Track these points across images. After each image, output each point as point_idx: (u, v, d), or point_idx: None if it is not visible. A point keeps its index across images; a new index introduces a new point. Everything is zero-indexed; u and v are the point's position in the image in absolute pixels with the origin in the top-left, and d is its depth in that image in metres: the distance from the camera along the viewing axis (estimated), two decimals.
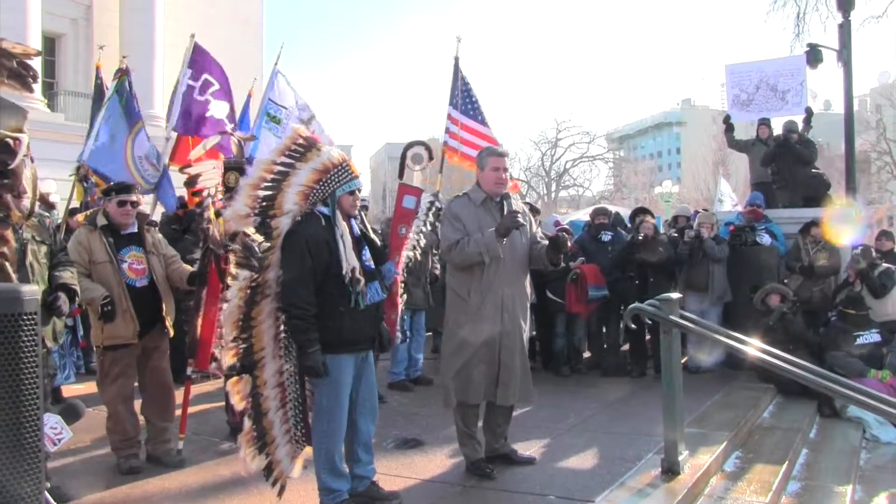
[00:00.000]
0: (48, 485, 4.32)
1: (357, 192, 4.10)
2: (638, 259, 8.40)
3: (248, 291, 3.86)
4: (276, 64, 9.37)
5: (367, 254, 4.13)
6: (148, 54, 20.98)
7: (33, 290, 1.99)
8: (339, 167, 4.00)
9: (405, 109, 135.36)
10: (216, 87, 7.91)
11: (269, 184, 3.88)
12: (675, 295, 5.06)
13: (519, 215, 4.64)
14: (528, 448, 5.34)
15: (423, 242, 7.07)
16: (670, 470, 4.69)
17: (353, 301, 3.94)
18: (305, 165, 3.94)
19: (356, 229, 4.15)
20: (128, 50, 20.86)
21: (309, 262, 3.86)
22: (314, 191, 3.95)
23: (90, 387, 6.40)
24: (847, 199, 10.23)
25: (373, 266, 4.12)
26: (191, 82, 7.80)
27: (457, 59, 8.69)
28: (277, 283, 3.95)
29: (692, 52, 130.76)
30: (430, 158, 7.31)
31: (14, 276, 3.61)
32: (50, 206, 8.30)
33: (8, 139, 3.25)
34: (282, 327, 4.01)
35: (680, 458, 4.71)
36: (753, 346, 4.69)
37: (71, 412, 2.37)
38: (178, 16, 22.14)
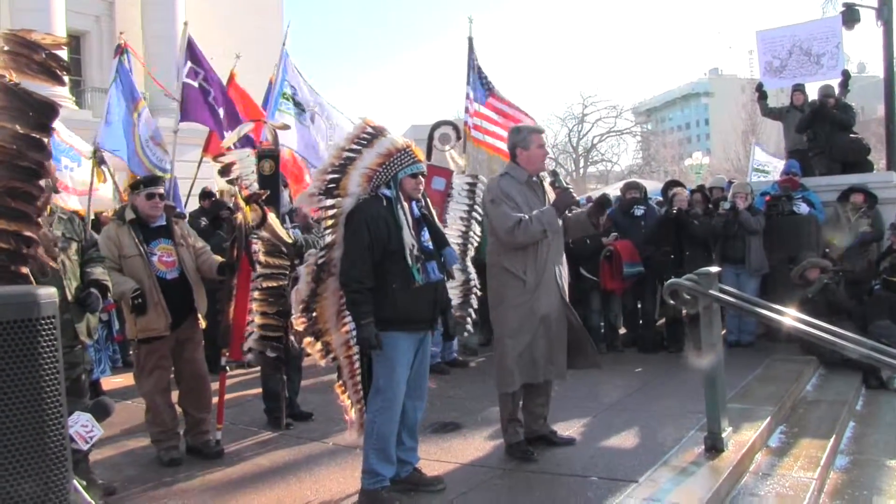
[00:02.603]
0: (99, 482, 4.43)
1: (420, 175, 4.17)
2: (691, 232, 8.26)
3: (315, 269, 4.09)
4: (283, 45, 9.35)
5: (426, 234, 4.19)
6: (170, 47, 21.03)
7: (50, 293, 1.97)
8: (403, 151, 4.12)
9: (430, 90, 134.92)
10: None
11: (337, 168, 4.08)
12: (714, 269, 4.94)
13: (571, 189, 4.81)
14: (568, 428, 5.28)
15: (477, 231, 6.88)
16: (714, 447, 4.60)
17: (411, 278, 4.01)
18: (371, 150, 4.11)
19: (416, 211, 4.22)
20: (150, 44, 21.06)
21: (367, 239, 3.97)
22: (377, 173, 4.09)
23: (128, 379, 6.46)
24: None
25: (431, 246, 4.17)
26: (190, 81, 7.89)
27: (470, 39, 8.62)
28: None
29: (718, 20, 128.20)
30: (458, 138, 7.22)
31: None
32: None
33: (42, 137, 3.25)
34: (343, 303, 4.19)
35: (723, 434, 4.63)
36: (796, 319, 4.56)
37: (101, 409, 2.35)
38: (200, 7, 22.15)
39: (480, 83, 9.03)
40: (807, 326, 4.42)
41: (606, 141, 50.55)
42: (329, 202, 4.08)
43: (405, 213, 4.08)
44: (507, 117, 9.11)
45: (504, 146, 8.77)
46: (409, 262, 4.00)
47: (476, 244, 6.93)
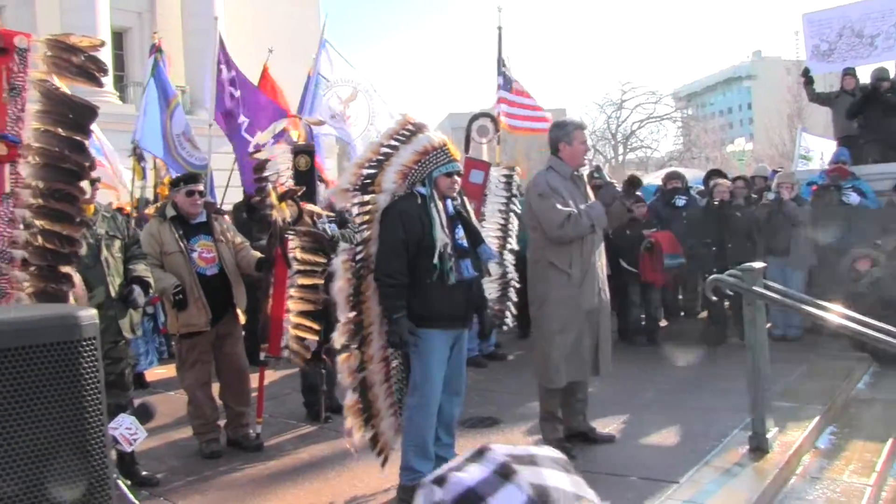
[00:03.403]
0: (143, 473, 4.51)
1: (455, 174, 4.16)
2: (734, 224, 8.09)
3: (353, 265, 4.08)
4: (322, 34, 9.36)
5: (460, 232, 4.17)
6: (209, 41, 21.19)
7: (91, 315, 1.98)
8: (439, 150, 4.11)
9: (467, 78, 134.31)
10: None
11: (374, 163, 4.09)
12: (759, 264, 4.81)
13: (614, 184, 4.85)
14: (607, 425, 5.21)
15: (515, 224, 6.80)
16: (758, 448, 4.50)
17: (443, 276, 4.00)
18: (408, 147, 4.10)
19: (451, 208, 4.20)
20: (189, 38, 21.28)
21: (401, 235, 3.98)
22: (413, 171, 4.09)
23: (172, 370, 6.54)
24: None
25: (465, 244, 4.15)
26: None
27: (500, 28, 8.54)
28: None
29: (761, 0, 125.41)
30: (497, 130, 7.14)
31: (78, 282, 3.66)
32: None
33: (82, 139, 3.29)
34: None
35: (768, 434, 4.52)
36: (844, 316, 4.41)
37: (144, 413, 2.37)
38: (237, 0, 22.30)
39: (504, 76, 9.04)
40: (856, 324, 4.27)
41: (646, 127, 49.74)
42: (364, 198, 4.08)
43: (438, 211, 4.07)
44: (530, 99, 9.13)
45: (537, 126, 8.73)
46: (442, 259, 3.99)
47: (516, 236, 6.89)
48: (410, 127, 4.13)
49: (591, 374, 4.84)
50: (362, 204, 4.10)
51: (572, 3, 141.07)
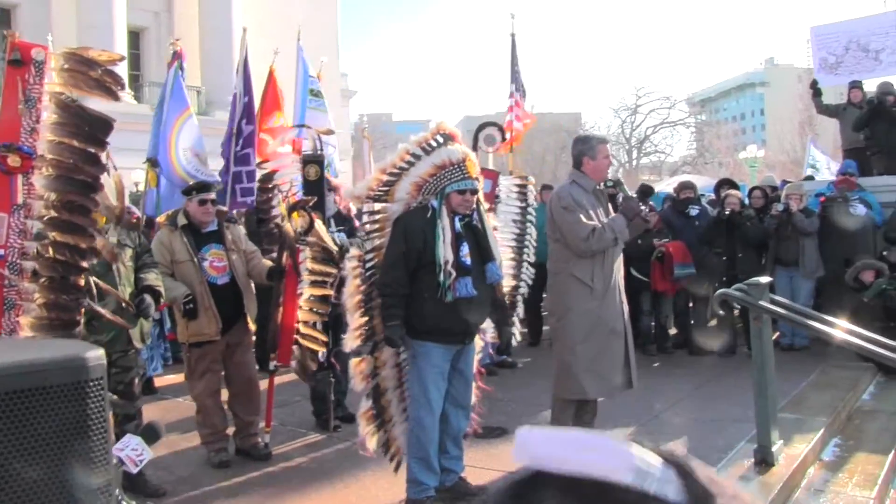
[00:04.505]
0: (151, 483, 4.54)
1: (469, 192, 4.15)
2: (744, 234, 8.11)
3: (363, 271, 4.13)
4: (298, 41, 9.35)
5: (464, 249, 4.16)
6: (226, 41, 21.37)
7: (98, 356, 1.98)
8: (455, 165, 4.09)
9: (483, 81, 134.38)
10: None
11: (396, 171, 4.14)
12: (765, 279, 4.83)
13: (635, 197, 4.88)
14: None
15: (533, 234, 6.80)
16: (764, 461, 4.49)
17: (440, 292, 4.02)
18: (428, 159, 4.11)
19: (458, 226, 4.20)
20: (206, 38, 21.35)
21: (403, 247, 4.03)
22: (428, 183, 4.11)
23: (180, 375, 6.60)
24: None
25: (469, 262, 4.14)
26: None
27: (513, 35, 8.56)
28: None
29: (774, 8, 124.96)
30: (504, 139, 7.18)
31: (94, 290, 3.70)
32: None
33: (98, 152, 3.34)
34: None
35: (774, 448, 4.51)
36: (849, 332, 4.42)
37: (151, 433, 2.40)
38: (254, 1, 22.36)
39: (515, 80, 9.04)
40: (861, 340, 4.28)
41: (659, 132, 49.75)
42: (375, 206, 4.14)
43: (444, 227, 4.07)
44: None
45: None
46: (442, 278, 4.01)
47: (534, 245, 6.89)
48: (440, 137, 4.14)
49: (624, 388, 4.84)
50: (373, 213, 4.15)
51: (587, 9, 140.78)
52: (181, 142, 8.15)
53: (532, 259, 6.87)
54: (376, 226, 4.17)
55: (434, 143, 4.12)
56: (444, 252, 4.03)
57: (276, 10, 21.41)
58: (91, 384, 1.90)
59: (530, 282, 6.87)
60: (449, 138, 4.16)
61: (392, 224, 4.12)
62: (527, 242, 6.90)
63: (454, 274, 4.05)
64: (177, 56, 8.57)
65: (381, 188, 4.13)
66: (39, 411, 1.82)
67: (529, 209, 6.95)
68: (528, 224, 6.90)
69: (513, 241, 6.92)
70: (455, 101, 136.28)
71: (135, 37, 21.21)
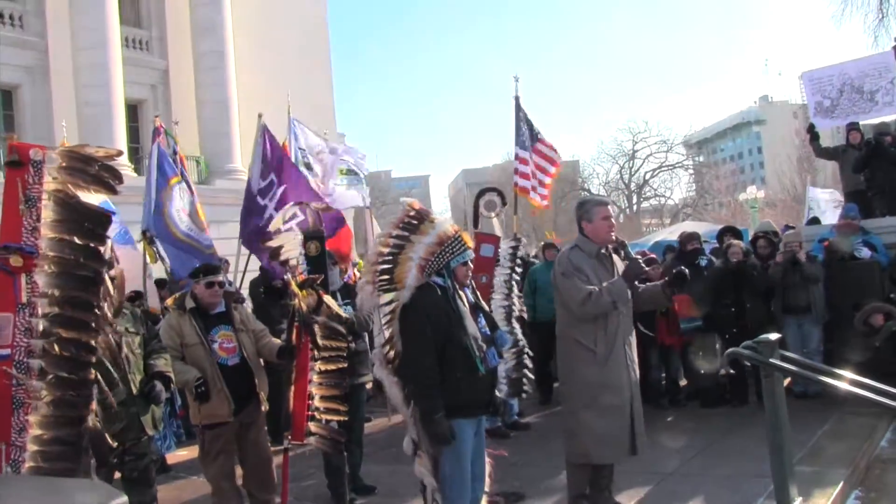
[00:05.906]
0: None
1: (469, 263, 4.19)
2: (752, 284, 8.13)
3: (390, 366, 4.10)
4: (288, 113, 9.53)
5: (482, 321, 4.20)
6: (224, 111, 21.71)
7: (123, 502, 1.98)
8: (454, 239, 4.11)
9: (481, 135, 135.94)
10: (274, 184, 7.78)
11: (387, 257, 4.08)
12: (774, 336, 4.82)
13: (640, 261, 4.81)
14: (632, 498, 5.20)
15: (517, 291, 6.93)
16: None
17: (474, 367, 3.99)
18: (421, 239, 4.08)
19: (470, 297, 4.24)
20: (203, 108, 21.71)
21: (429, 333, 3.95)
22: (430, 263, 4.07)
23: (193, 451, 6.55)
24: None
25: (488, 332, 4.18)
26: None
27: (517, 98, 8.64)
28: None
29: (765, 47, 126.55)
30: (504, 203, 7.30)
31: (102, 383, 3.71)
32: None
33: (98, 246, 3.39)
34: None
35: None
36: (862, 385, 4.40)
37: None
38: (250, 66, 22.74)
39: (530, 133, 8.98)
40: (872, 393, 4.26)
41: (658, 176, 50.13)
42: (386, 297, 4.09)
43: (463, 303, 4.10)
44: (546, 159, 9.09)
45: (530, 184, 8.75)
46: (475, 352, 3.98)
47: (521, 304, 7.04)
48: (414, 214, 4.12)
49: (627, 455, 4.79)
50: (385, 304, 4.10)
51: (582, 57, 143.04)
52: (175, 203, 8.26)
53: (517, 313, 7.07)
54: (390, 316, 4.11)
55: (412, 223, 4.10)
56: (470, 326, 4.04)
57: (270, 76, 21.71)
58: None
59: (522, 337, 7.07)
60: (424, 216, 4.14)
61: (402, 309, 4.05)
62: (513, 298, 7.12)
63: (484, 347, 4.06)
64: (157, 131, 8.81)
65: (381, 279, 4.07)
66: None
67: (515, 268, 7.15)
68: (514, 283, 7.13)
69: (503, 299, 7.09)
70: (453, 155, 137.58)
71: (132, 110, 21.52)
